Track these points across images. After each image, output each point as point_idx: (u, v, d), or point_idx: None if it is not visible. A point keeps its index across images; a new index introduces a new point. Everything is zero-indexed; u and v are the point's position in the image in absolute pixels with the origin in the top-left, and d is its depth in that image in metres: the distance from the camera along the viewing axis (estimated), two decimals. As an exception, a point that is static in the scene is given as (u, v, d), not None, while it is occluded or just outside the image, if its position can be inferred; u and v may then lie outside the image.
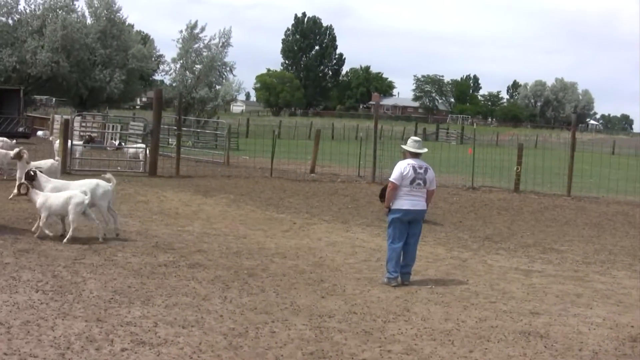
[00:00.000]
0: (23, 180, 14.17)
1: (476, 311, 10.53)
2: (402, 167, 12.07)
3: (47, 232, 13.64)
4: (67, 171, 24.40)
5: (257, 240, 15.33)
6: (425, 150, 12.58)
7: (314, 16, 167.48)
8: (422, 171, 12.11)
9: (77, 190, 13.65)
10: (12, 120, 43.33)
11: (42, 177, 14.23)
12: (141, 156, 28.80)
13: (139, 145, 31.17)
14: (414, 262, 12.43)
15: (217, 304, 10.04)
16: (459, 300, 11.11)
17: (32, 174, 14.20)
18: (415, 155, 12.30)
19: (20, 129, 44.56)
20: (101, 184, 14.18)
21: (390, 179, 12.22)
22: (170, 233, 15.39)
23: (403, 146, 12.65)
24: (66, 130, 25.82)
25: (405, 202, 12.05)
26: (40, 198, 13.58)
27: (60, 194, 13.68)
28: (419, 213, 12.25)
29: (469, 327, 9.70)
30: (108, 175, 14.59)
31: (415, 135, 72.30)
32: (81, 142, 29.12)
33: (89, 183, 14.34)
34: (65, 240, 13.39)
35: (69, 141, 25.81)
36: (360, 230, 17.60)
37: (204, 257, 13.12)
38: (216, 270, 12.15)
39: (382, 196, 21.25)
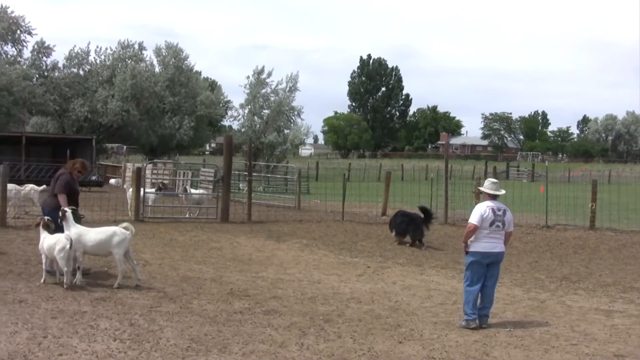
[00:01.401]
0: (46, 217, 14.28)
1: (558, 354, 10.31)
2: (482, 210, 12.01)
3: (46, 269, 13.82)
4: (139, 219, 24.62)
5: (332, 285, 15.26)
6: (503, 192, 12.53)
7: (379, 58, 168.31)
8: (500, 213, 12.05)
9: (63, 235, 13.68)
10: (85, 169, 43.91)
11: (70, 219, 14.22)
12: (205, 202, 29.07)
13: (201, 191, 31.40)
14: (491, 304, 12.27)
15: (294, 351, 9.99)
16: (539, 343, 10.90)
17: (62, 213, 14.26)
18: (493, 197, 12.27)
19: (93, 178, 45.21)
20: (118, 232, 14.16)
21: (471, 221, 12.14)
22: (244, 279, 15.41)
23: (481, 188, 12.65)
24: (138, 179, 26.10)
25: (484, 245, 11.98)
26: (41, 237, 13.89)
27: (52, 237, 13.72)
28: (498, 255, 12.17)
29: (552, 371, 9.49)
30: (125, 224, 14.59)
31: (486, 173, 72.04)
32: (153, 190, 29.38)
33: (105, 230, 14.38)
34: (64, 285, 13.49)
35: (141, 189, 26.05)
36: (434, 273, 17.43)
37: (279, 304, 13.09)
38: (292, 316, 12.11)
39: (391, 227, 22.74)
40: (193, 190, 30.89)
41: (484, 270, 12.07)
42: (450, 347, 10.57)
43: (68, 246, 13.38)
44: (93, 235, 14.12)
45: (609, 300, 14.54)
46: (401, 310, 13.05)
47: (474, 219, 12.05)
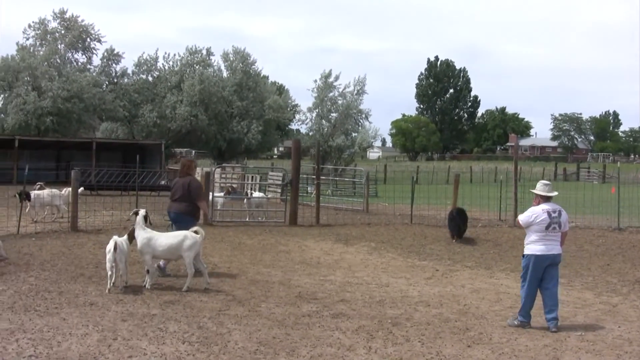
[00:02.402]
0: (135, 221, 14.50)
1: (631, 360, 10.13)
2: (537, 214, 12.10)
3: (109, 273, 13.70)
4: (208, 223, 24.76)
5: (400, 288, 15.20)
6: (556, 193, 12.53)
7: (447, 59, 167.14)
8: (556, 215, 12.06)
9: (112, 238, 13.81)
10: (154, 173, 44.29)
11: (140, 223, 14.32)
12: (266, 205, 29.22)
13: (261, 194, 31.46)
14: (557, 306, 12.08)
15: (362, 355, 9.96)
16: (611, 348, 10.70)
17: (134, 214, 14.45)
18: (546, 199, 12.30)
19: (162, 182, 45.56)
20: (189, 236, 14.23)
21: (519, 218, 12.49)
22: (312, 283, 15.43)
23: (533, 190, 12.66)
24: (207, 183, 26.27)
25: (541, 248, 12.01)
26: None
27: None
28: (555, 257, 12.11)
29: (624, 376, 9.32)
30: (196, 228, 14.65)
31: (555, 175, 71.13)
32: (222, 194, 29.55)
33: (176, 235, 14.47)
34: None
35: (210, 193, 26.21)
36: (504, 276, 17.25)
37: (347, 307, 13.07)
38: (360, 319, 12.08)
39: (450, 228, 23.60)
40: (254, 194, 30.99)
41: (541, 273, 12.05)
42: (520, 351, 10.45)
43: (113, 249, 13.56)
44: (163, 239, 14.23)
45: (684, 304, 14.24)
46: (470, 313, 12.94)
47: (522, 219, 12.34)
